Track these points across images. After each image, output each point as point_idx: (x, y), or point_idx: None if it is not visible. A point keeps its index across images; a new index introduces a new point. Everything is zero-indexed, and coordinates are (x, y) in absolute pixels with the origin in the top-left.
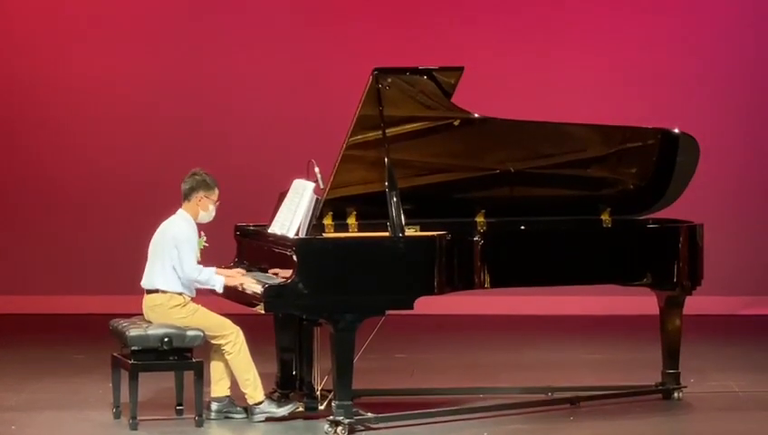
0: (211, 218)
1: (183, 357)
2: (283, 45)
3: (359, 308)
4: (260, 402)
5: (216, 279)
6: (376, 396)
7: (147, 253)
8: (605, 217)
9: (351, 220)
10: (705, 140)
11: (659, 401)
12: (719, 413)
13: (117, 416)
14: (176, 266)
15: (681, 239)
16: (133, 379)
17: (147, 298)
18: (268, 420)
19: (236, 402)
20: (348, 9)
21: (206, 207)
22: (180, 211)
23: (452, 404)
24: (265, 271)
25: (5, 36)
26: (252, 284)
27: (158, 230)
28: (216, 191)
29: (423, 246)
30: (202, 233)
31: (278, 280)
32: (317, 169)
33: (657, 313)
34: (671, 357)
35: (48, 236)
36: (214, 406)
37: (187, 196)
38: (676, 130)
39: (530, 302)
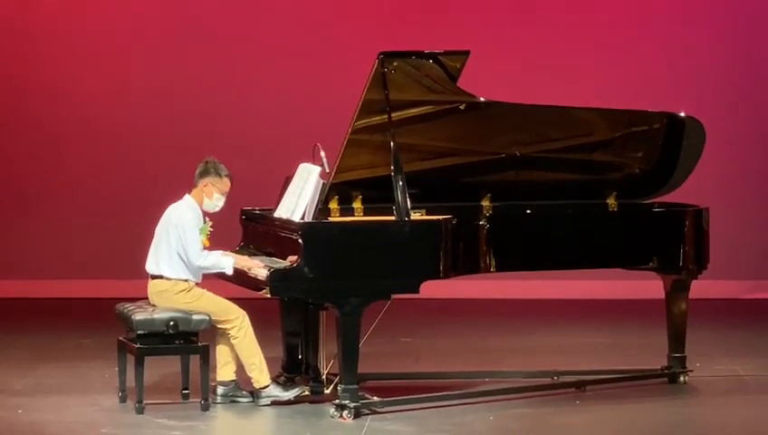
0: (216, 209)
1: (189, 341)
2: (289, 29)
3: (364, 292)
4: (266, 386)
5: (224, 261)
6: (381, 380)
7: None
8: (611, 201)
9: (357, 204)
10: (710, 124)
11: (665, 384)
12: (725, 397)
13: (123, 400)
14: (180, 253)
15: (687, 223)
16: (139, 363)
17: (151, 283)
18: (274, 403)
19: (242, 386)
20: None
21: (210, 194)
22: (187, 196)
23: (457, 388)
24: (271, 255)
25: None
26: (258, 268)
27: (164, 215)
28: (226, 181)
29: (429, 230)
30: (207, 218)
31: (284, 264)
32: (323, 153)
33: (663, 297)
34: (677, 341)
35: (54, 220)
36: (219, 390)
37: (195, 181)
38: (683, 114)
39: (535, 286)
